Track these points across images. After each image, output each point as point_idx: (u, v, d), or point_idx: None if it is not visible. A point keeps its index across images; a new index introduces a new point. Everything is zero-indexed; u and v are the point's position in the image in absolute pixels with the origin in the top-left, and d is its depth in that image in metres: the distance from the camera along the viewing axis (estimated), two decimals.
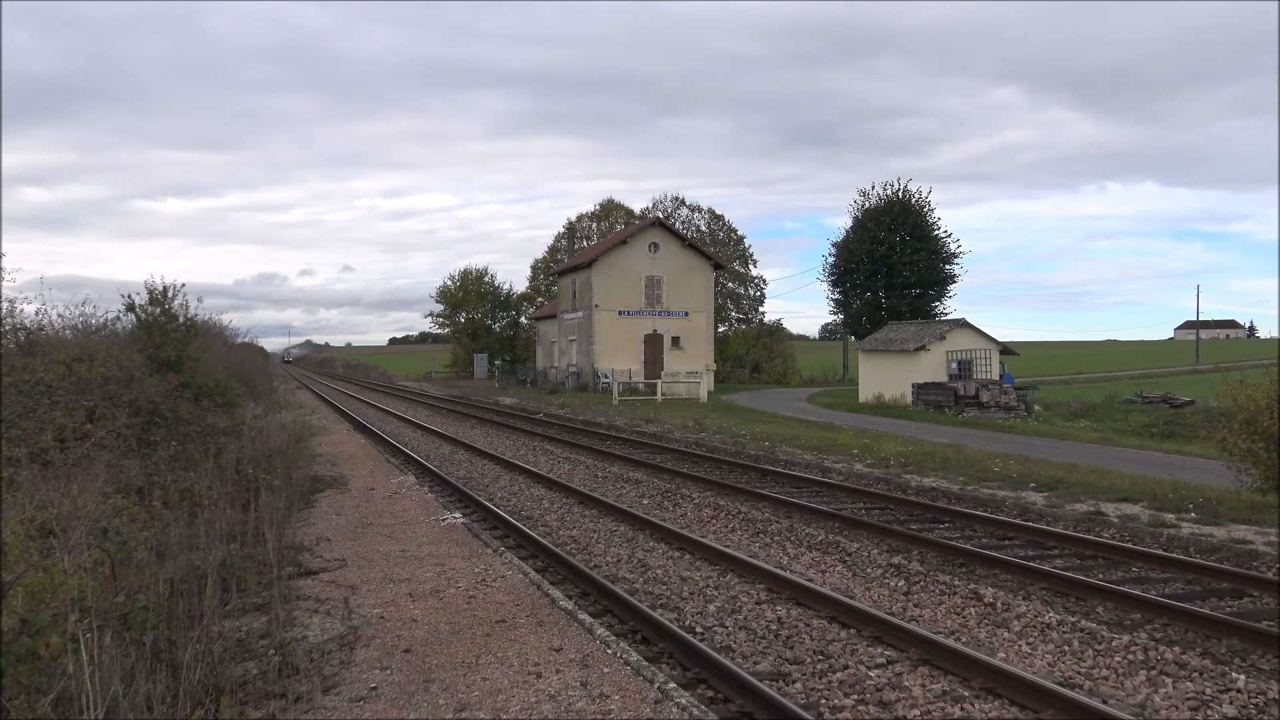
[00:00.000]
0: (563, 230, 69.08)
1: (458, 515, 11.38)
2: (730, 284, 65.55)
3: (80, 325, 16.68)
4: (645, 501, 13.65)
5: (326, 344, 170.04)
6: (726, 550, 9.62)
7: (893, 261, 56.55)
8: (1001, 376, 34.79)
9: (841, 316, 63.59)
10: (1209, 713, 5.65)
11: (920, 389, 33.77)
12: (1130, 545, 9.94)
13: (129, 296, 18.96)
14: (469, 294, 71.13)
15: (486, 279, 72.20)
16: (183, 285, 19.61)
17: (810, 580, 8.70)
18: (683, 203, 67.48)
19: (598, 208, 69.74)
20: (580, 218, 69.78)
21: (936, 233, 57.80)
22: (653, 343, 47.78)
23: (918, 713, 5.59)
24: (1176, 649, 6.71)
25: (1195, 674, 6.24)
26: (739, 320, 67.08)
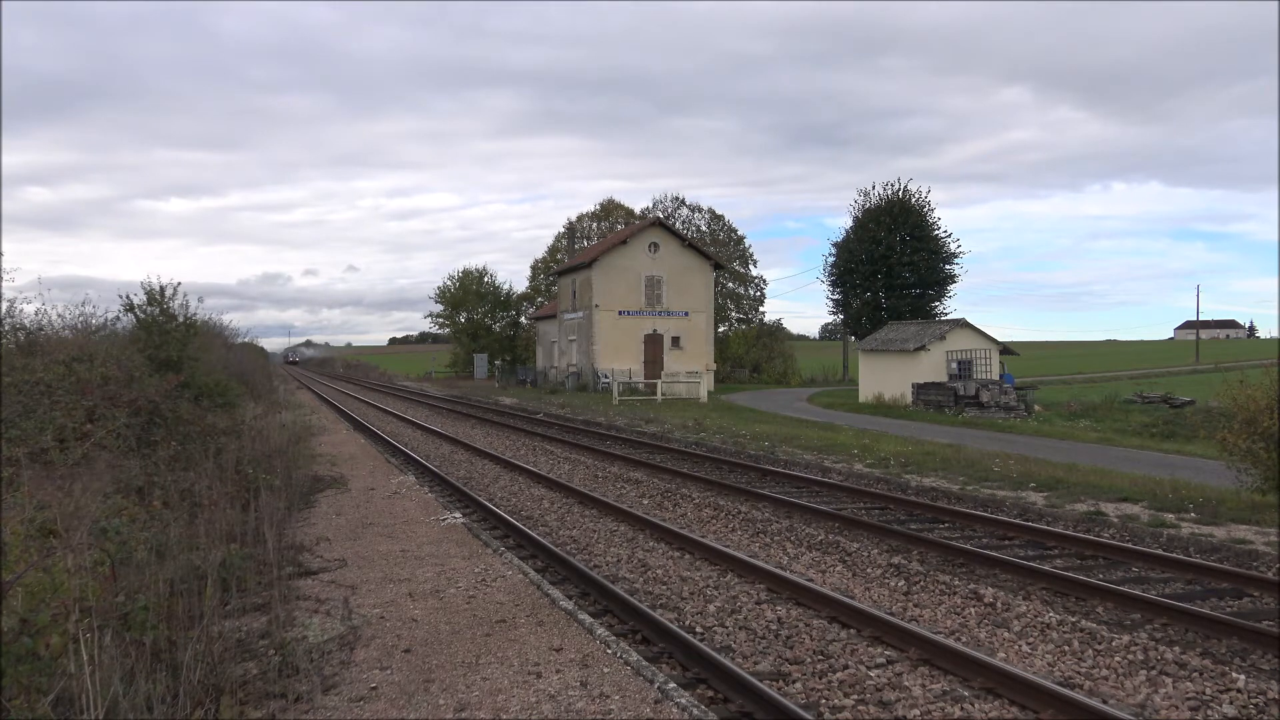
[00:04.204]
0: (563, 230, 69.06)
1: (458, 515, 11.38)
2: (730, 284, 65.52)
3: (80, 325, 16.71)
4: (645, 501, 13.65)
5: (327, 344, 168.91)
6: (726, 550, 9.62)
7: (892, 261, 56.51)
8: (1001, 376, 34.78)
9: (841, 316, 63.55)
10: (1209, 713, 5.65)
11: (920, 389, 33.76)
12: (1130, 545, 9.94)
13: (128, 297, 19.00)
14: (468, 294, 71.13)
15: (486, 279, 72.26)
16: (179, 284, 19.64)
17: (810, 580, 8.70)
18: (683, 203, 67.53)
19: (598, 207, 69.74)
20: (580, 218, 69.77)
21: (936, 233, 57.77)
22: (653, 343, 47.77)
23: (918, 713, 5.59)
24: (1176, 649, 6.71)
25: (1195, 674, 6.24)
26: (739, 320, 67.05)
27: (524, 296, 72.55)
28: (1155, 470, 15.93)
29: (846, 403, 37.59)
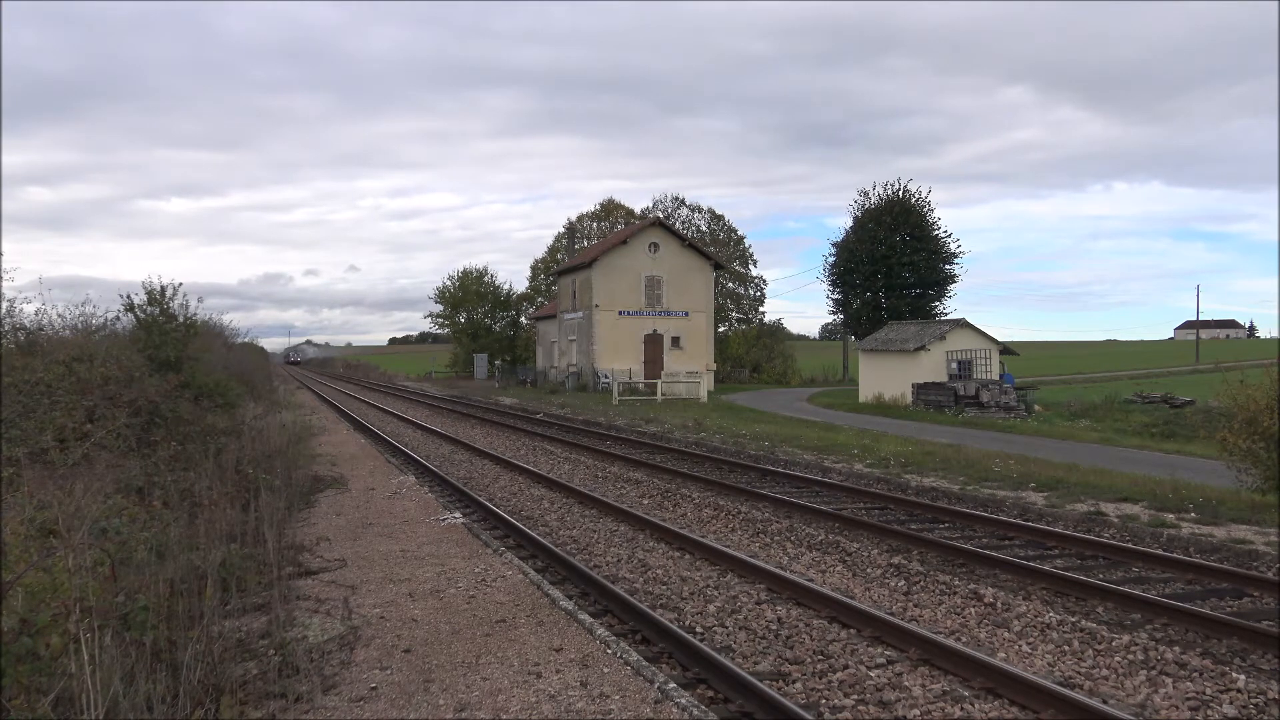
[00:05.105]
0: (563, 230, 69.08)
1: (458, 515, 11.38)
2: (730, 284, 65.55)
3: (80, 325, 16.70)
4: (645, 501, 13.65)
5: (327, 344, 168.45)
6: (727, 550, 9.62)
7: (892, 261, 56.50)
8: (1001, 376, 34.78)
9: (841, 316, 63.54)
10: (1209, 713, 5.65)
11: (920, 389, 33.76)
12: (1130, 545, 9.94)
13: (128, 296, 19.01)
14: (468, 294, 71.17)
15: (486, 279, 72.29)
16: (180, 285, 19.64)
17: (810, 580, 8.70)
18: (683, 203, 67.58)
19: (598, 207, 69.80)
20: (581, 218, 69.82)
21: (936, 232, 57.77)
22: (653, 343, 47.77)
23: (918, 713, 5.59)
24: (1176, 649, 6.71)
25: (1195, 674, 6.25)
26: (739, 320, 67.08)
27: (524, 296, 72.60)
28: (1155, 470, 15.93)
29: (846, 403, 37.58)
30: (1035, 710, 5.55)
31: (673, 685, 5.50)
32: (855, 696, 5.86)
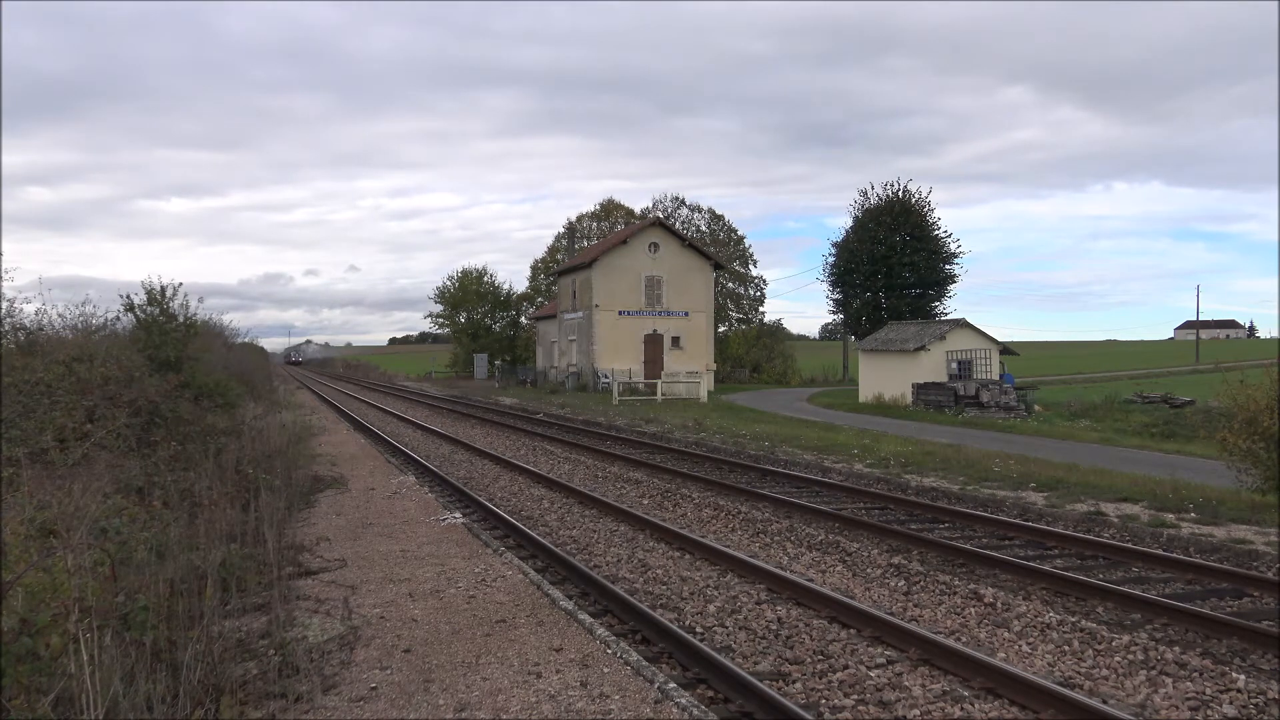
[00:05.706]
0: (563, 230, 69.08)
1: (458, 515, 11.39)
2: (730, 284, 65.56)
3: (80, 325, 16.70)
4: (645, 501, 13.65)
5: (327, 344, 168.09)
6: (727, 550, 9.63)
7: (893, 261, 56.49)
8: (1001, 376, 34.78)
9: (841, 316, 63.53)
10: (1209, 713, 5.65)
11: (920, 389, 33.76)
12: (1130, 545, 9.94)
13: (128, 296, 19.01)
14: (468, 294, 71.18)
15: (486, 279, 72.31)
16: (180, 285, 19.64)
17: (810, 580, 8.70)
18: (683, 203, 67.58)
19: (598, 207, 69.81)
20: (580, 218, 69.81)
21: (936, 232, 57.76)
22: (653, 343, 47.77)
23: (918, 713, 5.59)
24: (1176, 649, 6.71)
25: (1195, 674, 6.25)
26: (739, 320, 67.09)
27: (524, 296, 72.61)
28: (1155, 470, 15.92)
29: (846, 403, 37.58)
30: (1035, 710, 5.55)
31: (673, 685, 5.51)
32: (855, 696, 5.86)
